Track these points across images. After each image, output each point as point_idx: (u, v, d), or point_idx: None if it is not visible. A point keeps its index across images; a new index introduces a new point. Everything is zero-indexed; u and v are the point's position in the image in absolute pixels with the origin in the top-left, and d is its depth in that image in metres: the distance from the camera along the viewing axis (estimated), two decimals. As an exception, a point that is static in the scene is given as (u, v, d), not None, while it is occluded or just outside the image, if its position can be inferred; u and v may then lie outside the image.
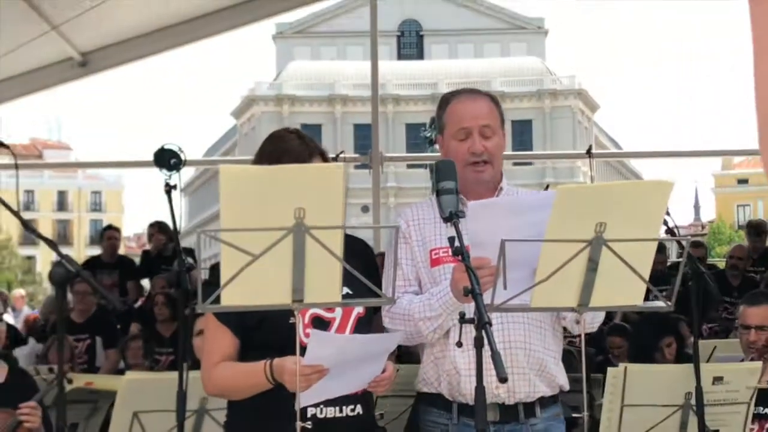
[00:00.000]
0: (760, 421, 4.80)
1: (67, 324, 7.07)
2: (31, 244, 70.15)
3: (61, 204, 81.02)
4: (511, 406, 3.52)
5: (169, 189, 4.12)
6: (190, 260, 4.23)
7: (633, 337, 7.49)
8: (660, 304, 3.24)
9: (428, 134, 47.04)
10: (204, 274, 8.06)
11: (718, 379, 4.51)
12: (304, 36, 75.30)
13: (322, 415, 3.22)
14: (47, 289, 52.05)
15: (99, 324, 9.01)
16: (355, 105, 66.20)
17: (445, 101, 3.73)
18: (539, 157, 62.42)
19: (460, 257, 3.08)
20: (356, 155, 10.74)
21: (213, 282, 3.14)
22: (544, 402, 3.58)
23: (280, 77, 70.61)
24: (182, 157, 4.20)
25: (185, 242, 4.42)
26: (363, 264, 3.26)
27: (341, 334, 3.24)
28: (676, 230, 4.52)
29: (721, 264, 13.39)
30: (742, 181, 71.11)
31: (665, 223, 3.67)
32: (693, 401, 4.42)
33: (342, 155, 9.77)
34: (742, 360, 5.05)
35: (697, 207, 74.18)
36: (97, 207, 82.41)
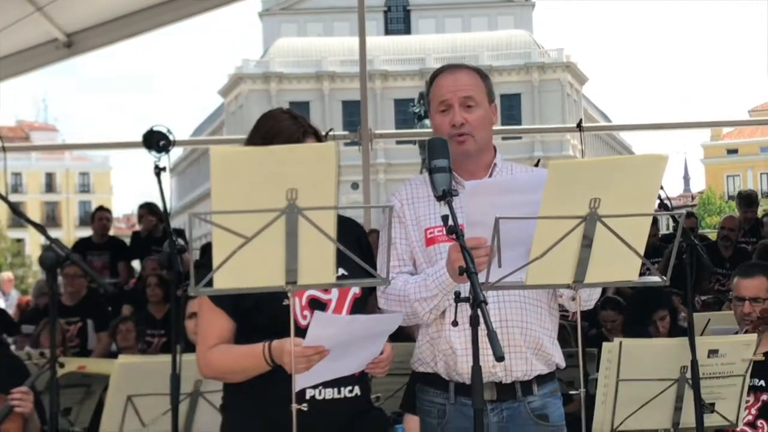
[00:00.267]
0: (755, 393, 4.80)
1: (58, 307, 7.04)
2: (20, 226, 69.89)
3: (49, 186, 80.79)
4: (508, 385, 3.51)
5: (158, 171, 4.09)
6: (181, 242, 4.19)
7: (626, 310, 7.48)
8: (655, 278, 3.22)
9: (417, 110, 47.09)
10: (195, 255, 8.04)
11: (713, 352, 4.51)
12: (290, 13, 75.00)
13: (321, 397, 3.21)
14: (37, 272, 51.97)
15: (90, 306, 8.97)
16: (343, 81, 66.04)
17: (431, 79, 3.70)
18: (530, 132, 62.46)
19: (454, 236, 3.05)
20: (346, 133, 10.70)
21: (204, 263, 3.10)
22: (541, 379, 3.57)
23: (267, 55, 70.36)
24: (171, 138, 4.17)
25: (174, 222, 4.39)
26: (356, 245, 3.24)
27: (344, 315, 3.21)
28: (668, 203, 4.50)
29: (712, 235, 13.40)
30: (732, 152, 71.22)
31: (658, 196, 3.65)
32: (688, 375, 4.43)
33: (331, 133, 9.72)
34: (737, 332, 5.04)
35: (686, 178, 74.38)
36: (85, 188, 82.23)
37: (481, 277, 3.01)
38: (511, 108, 64.05)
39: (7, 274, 16.06)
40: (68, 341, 8.29)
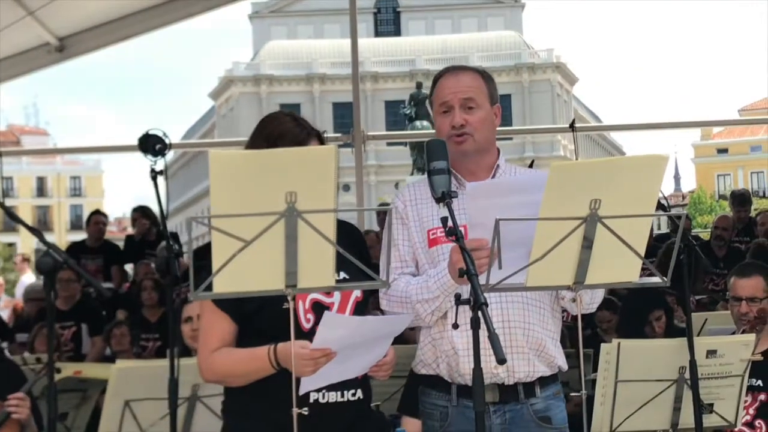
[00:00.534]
0: (753, 393, 4.80)
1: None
2: (12, 230, 69.82)
3: (41, 190, 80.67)
4: (510, 386, 3.50)
5: (155, 175, 4.07)
6: (176, 247, 4.18)
7: (622, 310, 7.48)
8: (656, 279, 3.21)
9: (407, 111, 47.14)
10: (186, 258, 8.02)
11: (711, 353, 4.51)
12: (280, 15, 75.01)
13: (324, 400, 3.19)
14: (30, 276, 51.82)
15: (84, 311, 8.94)
16: (333, 83, 66.08)
17: (434, 81, 3.70)
18: (523, 132, 62.53)
19: (454, 238, 3.05)
20: (338, 135, 10.68)
21: (202, 267, 3.09)
22: (544, 381, 3.56)
23: (258, 57, 70.36)
24: (167, 142, 4.16)
25: (168, 225, 4.38)
26: (354, 248, 3.23)
27: (354, 317, 3.20)
28: (666, 203, 4.50)
29: (703, 234, 13.40)
30: (722, 151, 71.37)
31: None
32: (687, 375, 4.42)
33: (324, 135, 9.68)
34: (734, 332, 5.04)
35: (677, 177, 74.41)
36: (76, 192, 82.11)
37: (482, 279, 3.00)
38: (502, 109, 63.90)
39: None
40: (62, 346, 8.27)
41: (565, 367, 3.63)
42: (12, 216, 3.48)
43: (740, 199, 11.12)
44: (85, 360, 8.27)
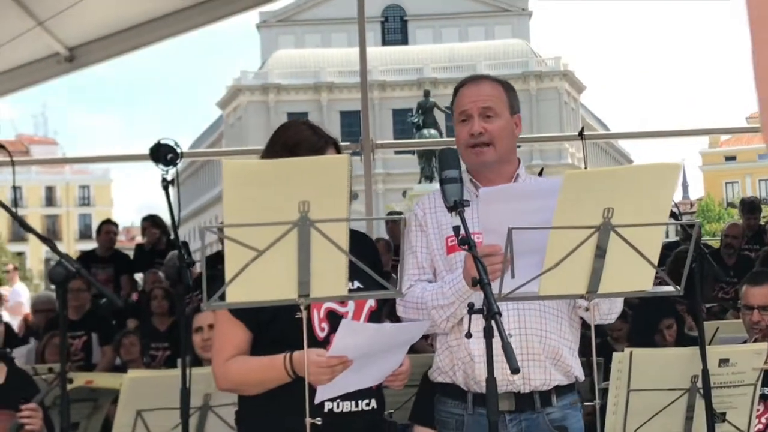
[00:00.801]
0: (765, 402, 4.78)
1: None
2: (21, 240, 69.95)
3: (50, 199, 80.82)
4: (526, 395, 3.49)
5: (166, 184, 4.07)
6: (187, 256, 4.18)
7: (633, 319, 7.46)
8: (669, 288, 3.20)
9: (415, 120, 47.10)
10: (199, 267, 8.02)
11: (724, 361, 4.48)
12: (288, 24, 75.15)
13: (339, 410, 3.19)
14: (38, 286, 51.89)
15: (94, 320, 8.94)
16: (341, 92, 66.18)
17: (455, 90, 3.70)
18: (532, 140, 62.51)
19: (466, 247, 3.05)
20: (347, 143, 10.68)
21: (213, 276, 3.08)
22: (560, 390, 3.55)
23: (265, 66, 70.50)
24: (178, 151, 4.16)
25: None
26: (367, 257, 3.22)
27: (370, 323, 3.19)
28: (677, 212, 4.49)
29: (712, 242, 13.37)
30: (730, 159, 71.26)
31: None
32: (699, 384, 4.40)
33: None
34: (745, 341, 5.02)
35: (685, 185, 74.31)
36: (85, 201, 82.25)
37: (495, 288, 3.00)
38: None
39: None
40: (72, 355, 8.28)
41: (582, 377, 3.61)
42: (25, 226, 3.49)
43: (750, 207, 11.09)
44: (95, 369, 8.27)
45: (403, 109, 61.87)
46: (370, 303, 3.28)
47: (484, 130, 3.54)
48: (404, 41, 75.45)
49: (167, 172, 4.12)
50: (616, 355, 4.43)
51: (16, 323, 11.40)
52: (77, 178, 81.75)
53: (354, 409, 3.22)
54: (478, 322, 3.01)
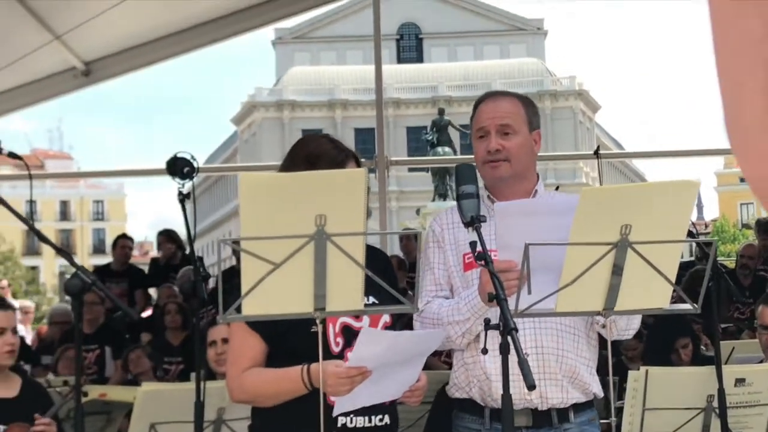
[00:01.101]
0: (780, 422, 4.75)
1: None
2: (35, 254, 70.19)
3: (64, 214, 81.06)
4: (543, 412, 3.48)
5: (182, 198, 4.08)
6: (202, 270, 4.18)
7: (648, 338, 7.43)
8: (686, 306, 3.18)
9: (429, 137, 47.11)
10: (212, 282, 8.03)
11: (740, 381, 4.47)
12: (303, 41, 75.33)
13: (352, 425, 3.18)
14: (53, 299, 52.03)
15: (108, 334, 8.96)
16: (355, 109, 66.29)
17: (474, 106, 3.69)
18: (548, 159, 62.43)
19: (483, 262, 3.04)
20: (362, 160, 10.67)
21: (228, 290, 3.08)
22: (578, 407, 3.54)
23: (280, 83, 70.66)
24: (195, 165, 4.17)
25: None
26: (382, 273, 3.22)
27: (390, 332, 3.18)
28: (694, 230, 4.47)
29: (727, 262, 13.31)
30: (745, 179, 70.99)
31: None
32: (715, 404, 4.38)
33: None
34: (761, 361, 5.00)
35: (700, 206, 74.06)
36: (99, 216, 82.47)
37: (511, 304, 2.99)
38: (524, 136, 63.85)
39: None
40: (86, 368, 8.28)
41: (600, 394, 3.60)
42: (42, 238, 3.49)
43: (765, 228, 11.03)
44: (108, 383, 8.27)
45: (418, 127, 61.89)
46: (385, 318, 3.27)
47: (501, 147, 3.53)
48: (419, 59, 75.56)
49: (183, 185, 4.13)
50: (631, 374, 4.41)
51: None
52: (91, 193, 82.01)
53: (367, 424, 3.21)
54: (494, 339, 3.00)
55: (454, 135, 46.62)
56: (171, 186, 4.22)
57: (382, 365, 3.02)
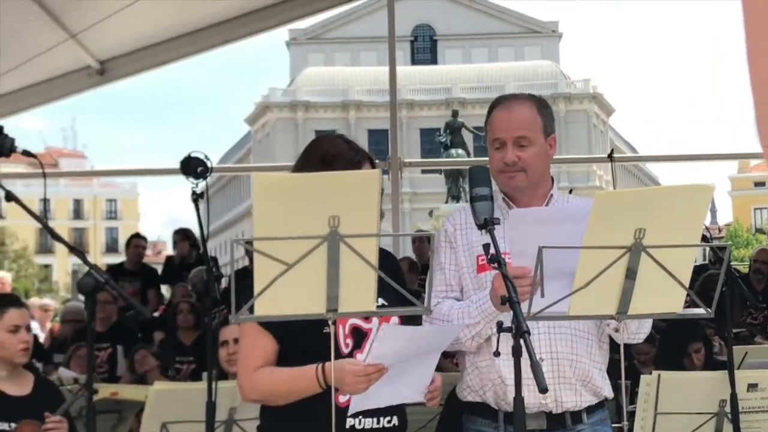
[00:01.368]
0: (794, 428, 4.73)
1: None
2: (48, 252, 70.40)
3: (77, 212, 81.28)
4: (558, 414, 3.49)
5: (196, 197, 4.08)
6: (215, 270, 4.18)
7: (660, 342, 7.40)
8: (700, 311, 3.17)
9: (443, 139, 47.08)
10: (225, 282, 8.04)
11: (752, 386, 4.46)
12: (317, 42, 75.39)
13: (360, 426, 3.18)
14: (65, 298, 52.16)
15: (120, 333, 8.98)
16: (369, 111, 66.29)
17: (491, 107, 3.66)
18: (561, 162, 62.43)
19: (496, 265, 3.04)
20: (375, 161, 10.66)
21: (239, 289, 3.08)
22: (591, 408, 3.55)
23: (294, 83, 70.72)
24: (209, 165, 4.17)
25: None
26: (391, 275, 3.22)
27: (407, 326, 3.17)
28: (708, 235, 4.46)
29: (740, 267, 13.26)
30: (759, 184, 70.77)
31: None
32: (728, 408, 4.37)
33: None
34: (775, 366, 4.98)
35: (713, 210, 73.85)
36: (112, 215, 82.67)
37: (524, 307, 2.99)
38: (537, 138, 63.75)
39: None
40: (97, 367, 8.29)
41: (611, 396, 3.61)
42: (56, 237, 3.50)
43: (780, 233, 10.99)
44: (120, 382, 8.29)
45: (431, 129, 61.88)
46: (394, 320, 3.27)
47: (517, 158, 3.52)
48: (433, 61, 75.54)
49: (197, 185, 4.13)
50: (644, 378, 4.40)
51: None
52: (105, 192, 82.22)
53: (375, 426, 3.20)
54: (508, 342, 3.00)
55: (468, 137, 46.58)
56: (184, 185, 4.22)
57: (399, 362, 3.01)
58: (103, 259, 67.62)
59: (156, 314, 10.30)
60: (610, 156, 10.01)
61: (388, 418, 3.24)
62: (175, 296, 9.77)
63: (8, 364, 4.62)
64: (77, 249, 3.56)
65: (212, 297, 4.09)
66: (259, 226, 2.84)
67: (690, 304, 3.25)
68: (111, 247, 76.64)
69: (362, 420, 3.18)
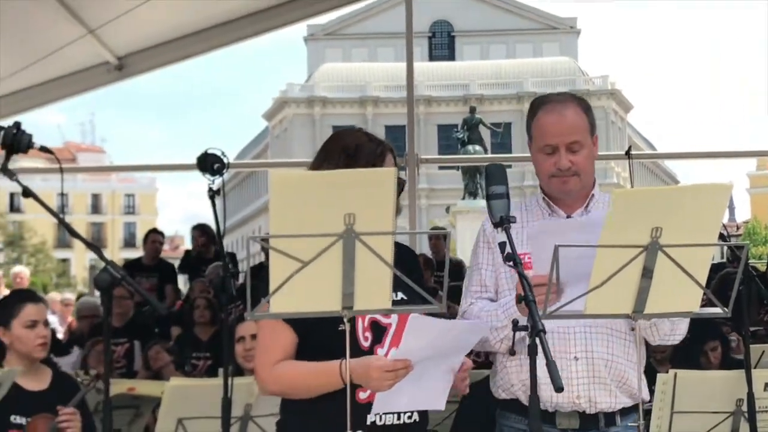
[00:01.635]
0: (811, 428, 4.71)
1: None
2: (66, 247, 70.65)
3: (95, 207, 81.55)
4: (591, 415, 3.49)
5: (212, 194, 4.09)
6: (231, 266, 4.19)
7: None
8: (717, 310, 3.16)
9: (460, 135, 46.99)
10: (241, 278, 8.04)
11: (769, 385, 4.44)
12: (335, 38, 75.41)
13: (381, 423, 3.18)
14: (85, 292, 52.33)
15: (137, 328, 8.99)
16: (386, 106, 66.27)
17: (533, 108, 3.64)
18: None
19: (512, 263, 3.03)
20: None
21: (253, 286, 3.08)
22: (626, 411, 3.55)
23: (312, 79, 70.76)
24: (225, 161, 4.18)
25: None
26: (411, 270, 3.22)
27: (439, 319, 3.17)
28: (725, 233, 4.44)
29: (759, 265, 13.23)
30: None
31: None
32: (744, 408, 4.35)
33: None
34: (792, 365, 4.96)
35: (731, 207, 73.58)
36: (130, 210, 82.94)
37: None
38: (555, 135, 63.67)
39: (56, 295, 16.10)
40: (114, 362, 8.31)
41: (648, 398, 3.61)
42: (72, 232, 3.50)
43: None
44: (136, 377, 8.30)
45: (449, 125, 61.79)
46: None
47: (571, 163, 3.52)
48: (451, 57, 75.44)
49: (213, 181, 4.14)
50: (660, 376, 4.38)
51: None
52: (123, 187, 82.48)
53: (396, 422, 3.20)
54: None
55: (485, 133, 46.46)
56: (202, 180, 4.23)
57: (424, 360, 3.01)
58: (120, 254, 67.86)
59: (174, 309, 10.33)
60: (627, 153, 9.97)
61: (409, 413, 3.24)
62: (193, 291, 9.78)
63: (26, 358, 4.64)
64: (93, 245, 3.56)
65: (228, 293, 4.10)
66: (275, 223, 2.85)
67: (707, 303, 3.24)
68: (129, 242, 76.89)
69: (383, 416, 3.18)
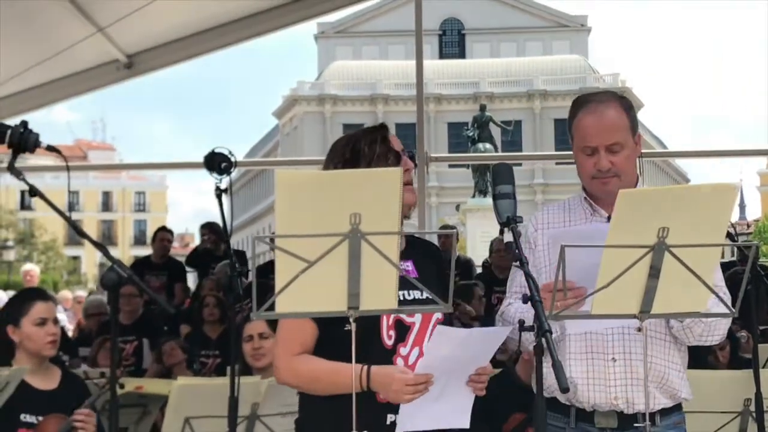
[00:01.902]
0: (820, 428, 4.69)
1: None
2: (77, 244, 70.78)
3: (106, 204, 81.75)
4: (629, 415, 3.48)
5: (219, 193, 4.09)
6: (238, 265, 4.19)
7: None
8: (723, 310, 3.15)
9: (470, 133, 46.99)
10: (251, 276, 8.03)
11: (778, 386, 4.42)
12: (345, 35, 75.46)
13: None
14: (93, 289, 52.45)
15: (146, 326, 9.00)
16: (397, 104, 66.28)
17: (574, 108, 3.61)
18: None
19: (518, 263, 3.03)
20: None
21: (262, 285, 3.08)
22: (665, 411, 3.54)
23: (322, 77, 70.80)
24: (232, 160, 4.18)
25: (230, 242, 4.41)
26: (436, 268, 3.31)
27: (461, 329, 3.17)
28: (734, 232, 4.43)
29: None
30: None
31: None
32: (753, 407, 4.34)
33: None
34: (801, 365, 4.95)
35: (742, 206, 73.42)
36: (141, 207, 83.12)
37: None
38: (566, 133, 63.43)
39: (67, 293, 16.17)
40: (124, 360, 8.32)
41: (690, 397, 3.60)
42: (78, 231, 3.50)
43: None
44: (145, 375, 8.31)
45: (459, 123, 61.75)
46: (437, 315, 3.28)
47: (611, 164, 3.51)
48: (461, 55, 75.43)
49: (221, 180, 4.14)
50: (668, 376, 4.37)
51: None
52: (133, 184, 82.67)
53: None
54: (578, 342, 3.03)
55: (495, 131, 46.48)
56: (212, 179, 4.23)
57: (447, 369, 3.02)
58: (131, 251, 68.05)
59: (183, 307, 10.34)
60: (637, 152, 9.93)
61: None
62: (203, 289, 9.79)
63: (36, 357, 4.64)
64: (100, 244, 3.56)
65: (236, 292, 4.10)
66: (281, 223, 2.85)
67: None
68: (139, 240, 77.04)
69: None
